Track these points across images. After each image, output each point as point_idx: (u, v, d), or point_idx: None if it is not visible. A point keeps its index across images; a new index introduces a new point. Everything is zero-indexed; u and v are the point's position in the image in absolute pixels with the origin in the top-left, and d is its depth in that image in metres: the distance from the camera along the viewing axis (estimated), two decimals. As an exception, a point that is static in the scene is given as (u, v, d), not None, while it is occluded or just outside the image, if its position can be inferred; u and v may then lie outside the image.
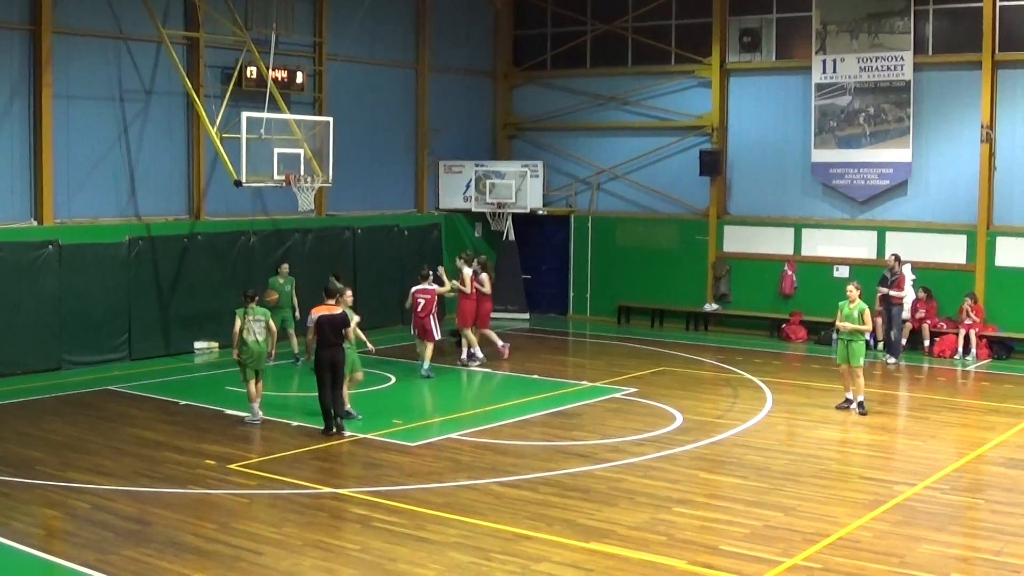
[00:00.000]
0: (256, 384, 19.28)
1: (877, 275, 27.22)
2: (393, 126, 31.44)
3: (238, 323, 19.16)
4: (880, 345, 26.99)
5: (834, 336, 22.59)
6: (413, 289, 23.61)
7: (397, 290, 30.43)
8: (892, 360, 25.85)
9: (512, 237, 32.30)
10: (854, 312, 20.39)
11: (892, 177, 28.26)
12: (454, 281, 24.75)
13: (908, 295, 26.55)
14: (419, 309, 23.40)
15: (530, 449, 17.76)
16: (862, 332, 20.46)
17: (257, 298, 19.92)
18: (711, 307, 30.39)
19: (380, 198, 31.05)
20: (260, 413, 19.27)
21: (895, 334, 26.11)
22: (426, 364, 23.46)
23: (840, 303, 20.70)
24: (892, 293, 25.89)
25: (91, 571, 12.04)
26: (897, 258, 26.40)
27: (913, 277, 27.27)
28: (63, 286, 23.78)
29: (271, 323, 19.53)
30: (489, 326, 25.52)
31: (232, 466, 16.37)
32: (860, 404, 20.43)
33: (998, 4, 26.83)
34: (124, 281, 24.83)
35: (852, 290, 20.72)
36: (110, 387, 22.14)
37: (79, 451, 17.23)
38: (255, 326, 19.25)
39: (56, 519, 14.22)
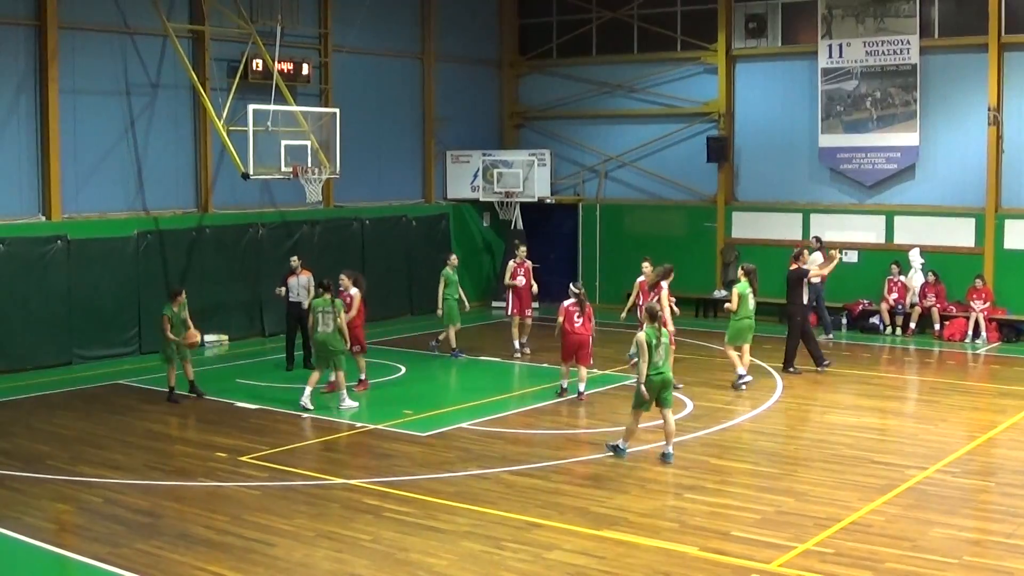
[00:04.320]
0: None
1: (886, 259, 27.40)
2: (400, 116, 31.43)
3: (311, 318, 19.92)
4: (887, 329, 27.24)
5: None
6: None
7: (405, 281, 30.51)
8: (826, 337, 26.34)
9: (520, 226, 32.26)
10: None
11: (900, 161, 28.20)
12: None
13: (814, 272, 26.14)
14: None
15: (540, 437, 17.78)
16: (729, 311, 21.34)
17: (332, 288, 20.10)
18: (720, 293, 30.32)
19: (388, 189, 31.05)
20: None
21: (819, 310, 26.67)
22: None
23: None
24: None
25: (103, 564, 12.06)
26: (818, 239, 27.18)
27: (922, 261, 27.29)
28: (72, 281, 23.82)
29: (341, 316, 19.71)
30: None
31: (243, 458, 16.39)
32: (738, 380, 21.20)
33: (1004, -14, 26.81)
34: (133, 275, 24.85)
35: (740, 270, 21.64)
36: (120, 381, 22.17)
37: (90, 445, 17.26)
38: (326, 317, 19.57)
39: (67, 513, 14.24)
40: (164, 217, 25.69)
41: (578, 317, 20.18)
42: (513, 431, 18.12)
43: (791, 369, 22.69)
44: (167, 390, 20.22)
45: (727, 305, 21.52)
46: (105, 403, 20.27)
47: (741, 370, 21.24)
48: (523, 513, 13.76)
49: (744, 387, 21.04)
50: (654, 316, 16.14)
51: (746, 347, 21.40)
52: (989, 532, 13.31)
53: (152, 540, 12.82)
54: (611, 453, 16.36)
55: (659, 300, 19.74)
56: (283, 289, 22.81)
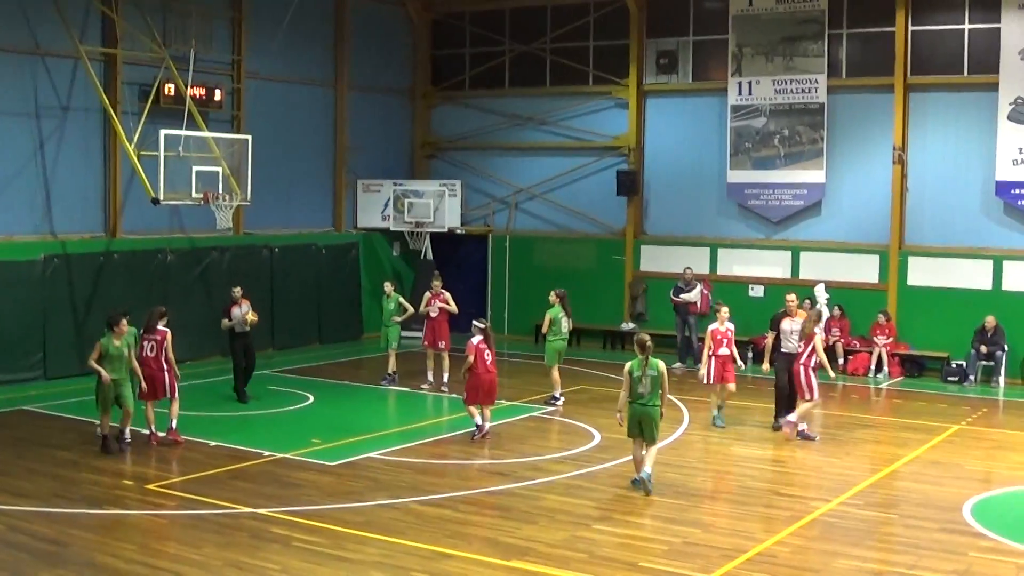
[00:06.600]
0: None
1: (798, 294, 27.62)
2: (312, 145, 31.37)
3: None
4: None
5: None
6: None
7: (314, 309, 30.39)
8: (678, 365, 27.58)
9: (430, 256, 32.32)
10: None
11: (806, 198, 28.66)
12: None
13: (698, 299, 28.52)
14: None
15: (449, 468, 17.80)
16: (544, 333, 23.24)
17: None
18: (628, 326, 30.57)
19: (298, 217, 30.95)
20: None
21: (694, 339, 27.77)
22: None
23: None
24: (686, 298, 28.17)
25: (7, 593, 11.93)
26: (690, 270, 28.72)
27: (827, 296, 27.61)
28: (-24, 304, 23.48)
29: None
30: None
31: (150, 486, 16.24)
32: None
33: (910, 29, 27.41)
34: (39, 299, 24.51)
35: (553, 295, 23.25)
36: (24, 407, 21.84)
37: (-7, 472, 17.02)
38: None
39: (-30, 541, 14.03)
40: (72, 241, 25.38)
41: (488, 355, 19.50)
42: (422, 461, 18.12)
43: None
44: (100, 436, 18.68)
45: (544, 329, 23.15)
46: (9, 429, 19.97)
47: (558, 392, 22.82)
48: (432, 543, 13.76)
49: (557, 405, 22.62)
50: (643, 348, 16.16)
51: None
52: (892, 563, 13.51)
53: (57, 569, 12.66)
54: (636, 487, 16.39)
55: (815, 348, 19.62)
56: (226, 320, 22.54)
